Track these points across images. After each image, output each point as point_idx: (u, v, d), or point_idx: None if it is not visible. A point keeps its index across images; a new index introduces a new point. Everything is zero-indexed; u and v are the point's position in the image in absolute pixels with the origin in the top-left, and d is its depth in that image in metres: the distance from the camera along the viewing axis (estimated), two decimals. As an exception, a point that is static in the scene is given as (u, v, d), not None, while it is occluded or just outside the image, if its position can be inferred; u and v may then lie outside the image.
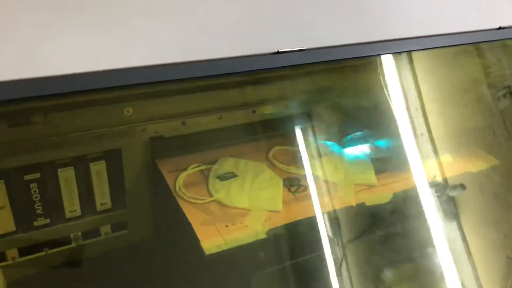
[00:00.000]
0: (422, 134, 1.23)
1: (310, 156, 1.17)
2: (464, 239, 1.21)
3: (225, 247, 0.87)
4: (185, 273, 0.99)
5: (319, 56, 0.90)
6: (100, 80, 0.78)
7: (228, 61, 0.82)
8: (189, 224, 0.90)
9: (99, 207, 1.09)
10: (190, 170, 1.08)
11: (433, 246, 1.11)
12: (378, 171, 1.09)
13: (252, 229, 0.90)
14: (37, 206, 1.01)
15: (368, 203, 1.00)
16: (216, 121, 1.13)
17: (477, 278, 1.20)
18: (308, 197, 1.01)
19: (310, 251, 1.01)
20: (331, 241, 1.00)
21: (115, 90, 0.82)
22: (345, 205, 1.01)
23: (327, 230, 0.99)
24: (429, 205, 1.09)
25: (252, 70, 0.84)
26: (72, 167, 1.02)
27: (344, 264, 1.03)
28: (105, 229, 1.12)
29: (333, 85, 1.18)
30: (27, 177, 0.98)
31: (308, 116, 1.24)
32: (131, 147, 1.06)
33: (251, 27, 0.87)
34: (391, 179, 1.07)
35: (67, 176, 1.02)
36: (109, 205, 1.10)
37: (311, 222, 0.96)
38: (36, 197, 1.00)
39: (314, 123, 1.23)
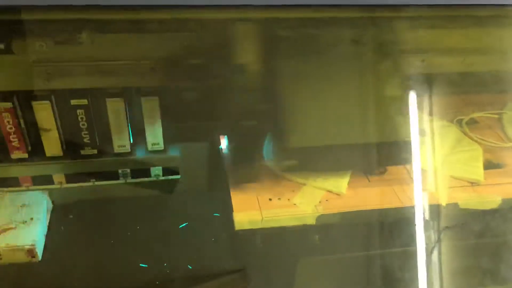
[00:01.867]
0: None
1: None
2: None
3: (259, 226, 0.69)
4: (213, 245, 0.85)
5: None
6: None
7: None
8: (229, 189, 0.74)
9: (150, 147, 0.98)
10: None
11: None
12: (489, 165, 0.81)
13: (300, 209, 0.71)
14: (85, 134, 0.93)
15: (462, 206, 0.74)
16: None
17: None
18: (385, 182, 0.77)
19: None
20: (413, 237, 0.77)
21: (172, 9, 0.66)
22: (432, 202, 0.76)
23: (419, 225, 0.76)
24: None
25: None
26: (122, 99, 0.90)
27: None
28: (156, 171, 1.01)
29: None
30: (74, 102, 0.89)
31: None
32: (188, 86, 0.91)
33: None
34: (504, 178, 0.79)
35: (116, 108, 0.92)
36: (161, 146, 0.98)
37: (378, 215, 0.73)
38: (83, 125, 0.92)
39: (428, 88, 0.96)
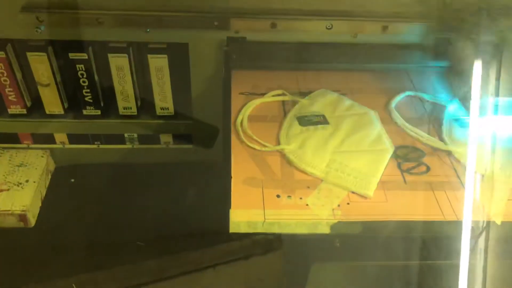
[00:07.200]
0: None
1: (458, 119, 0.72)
2: None
3: (260, 230, 0.55)
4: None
5: None
6: None
7: None
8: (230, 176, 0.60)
9: (159, 111, 0.86)
10: (267, 98, 0.74)
11: None
12: None
13: (312, 212, 0.56)
14: (86, 92, 0.82)
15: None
16: (324, 31, 0.74)
17: None
18: (425, 185, 0.60)
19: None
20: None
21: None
22: (483, 218, 0.59)
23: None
24: None
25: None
26: (126, 55, 0.77)
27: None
28: (166, 138, 0.89)
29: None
30: (72, 56, 0.77)
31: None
32: (201, 45, 0.76)
33: None
34: None
35: (119, 65, 0.79)
36: (171, 111, 0.85)
37: (410, 229, 0.57)
38: (84, 82, 0.80)
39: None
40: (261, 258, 0.69)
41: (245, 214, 0.57)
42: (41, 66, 0.80)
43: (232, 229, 0.56)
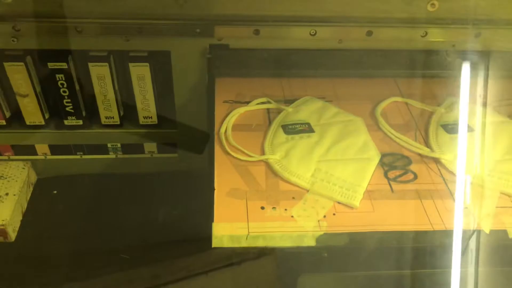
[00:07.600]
0: None
1: (445, 125, 0.71)
2: None
3: (243, 244, 0.53)
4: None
5: None
6: None
7: None
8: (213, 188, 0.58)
9: (142, 120, 0.84)
10: (252, 106, 0.73)
11: None
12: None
13: (298, 224, 0.54)
14: (67, 102, 0.80)
15: (513, 236, 0.55)
16: (308, 37, 0.73)
17: None
18: (412, 194, 0.59)
19: None
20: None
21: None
22: (472, 227, 0.57)
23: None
24: None
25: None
26: (107, 64, 0.75)
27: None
28: (150, 147, 0.87)
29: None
30: (51, 65, 0.75)
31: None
32: (184, 53, 0.74)
33: None
34: None
35: (100, 74, 0.77)
36: (154, 120, 0.83)
37: (398, 239, 0.56)
38: (65, 92, 0.78)
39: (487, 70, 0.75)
40: (254, 263, 0.68)
41: (228, 228, 0.55)
42: (19, 76, 0.77)
43: (215, 243, 0.54)
